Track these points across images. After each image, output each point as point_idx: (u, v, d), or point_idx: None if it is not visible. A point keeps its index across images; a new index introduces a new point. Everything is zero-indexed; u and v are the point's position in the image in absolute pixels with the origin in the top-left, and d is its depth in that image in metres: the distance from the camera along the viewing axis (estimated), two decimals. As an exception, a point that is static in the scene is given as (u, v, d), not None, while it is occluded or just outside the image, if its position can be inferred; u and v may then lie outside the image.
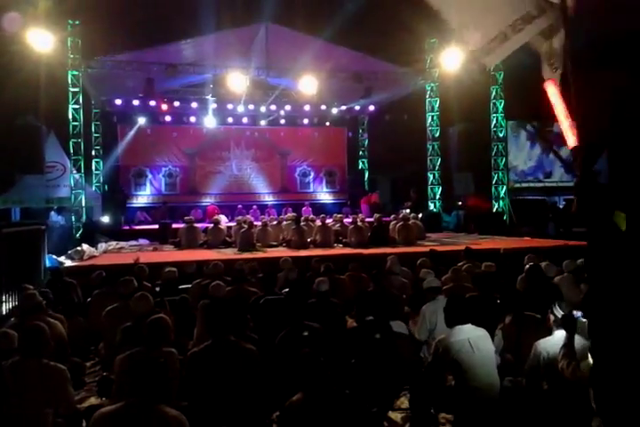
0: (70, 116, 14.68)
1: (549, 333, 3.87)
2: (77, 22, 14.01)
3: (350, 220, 12.48)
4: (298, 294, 5.22)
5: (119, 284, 5.52)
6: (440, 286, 5.57)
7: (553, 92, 3.40)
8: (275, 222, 12.81)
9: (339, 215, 13.62)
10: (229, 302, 4.53)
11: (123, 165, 19.73)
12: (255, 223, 12.19)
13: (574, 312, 3.71)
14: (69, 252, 9.93)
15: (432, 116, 17.63)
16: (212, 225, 12.27)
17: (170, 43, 14.87)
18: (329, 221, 12.52)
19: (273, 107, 19.69)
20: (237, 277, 6.17)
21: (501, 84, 16.91)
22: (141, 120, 19.41)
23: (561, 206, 19.12)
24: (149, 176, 20.16)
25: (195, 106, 19.03)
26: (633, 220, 2.23)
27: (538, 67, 3.65)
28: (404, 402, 4.51)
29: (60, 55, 13.87)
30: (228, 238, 11.97)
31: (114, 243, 12.49)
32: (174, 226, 13.88)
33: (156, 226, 14.43)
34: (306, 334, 4.32)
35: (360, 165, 22.93)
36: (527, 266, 6.53)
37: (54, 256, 9.41)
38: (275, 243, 11.65)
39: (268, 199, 21.21)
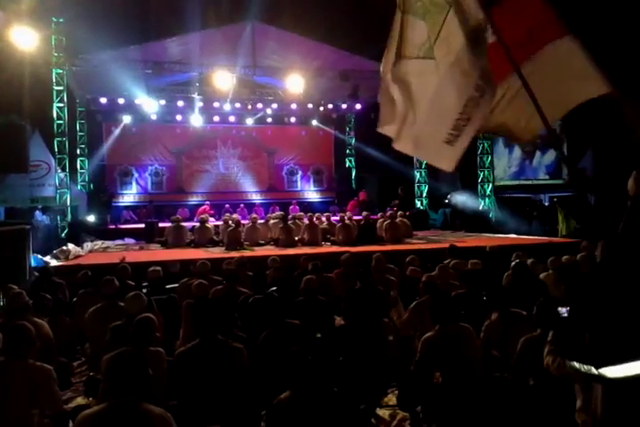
0: (55, 115, 14.57)
1: (535, 329, 3.91)
2: (62, 20, 13.89)
3: (338, 218, 12.49)
4: (285, 292, 5.22)
5: (101, 284, 5.50)
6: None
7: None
8: (262, 221, 12.79)
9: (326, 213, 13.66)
10: (217, 301, 4.53)
11: (108, 163, 19.63)
12: (242, 222, 12.17)
13: (559, 309, 3.74)
14: (55, 251, 9.86)
15: (418, 115, 17.66)
16: (198, 224, 12.23)
17: (155, 41, 14.79)
18: (315, 219, 12.52)
19: (259, 105, 19.65)
20: (229, 276, 6.15)
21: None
22: (127, 119, 19.30)
23: (546, 204, 19.27)
24: (135, 175, 20.06)
25: (181, 104, 18.94)
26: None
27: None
28: (391, 399, 4.53)
29: (45, 53, 13.74)
30: (215, 237, 11.94)
31: (99, 242, 12.42)
32: (161, 225, 13.83)
33: (143, 225, 14.36)
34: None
35: (347, 164, 22.95)
36: (513, 263, 6.58)
37: (39, 256, 9.34)
38: (262, 241, 11.64)
39: (256, 198, 21.19)
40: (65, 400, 4.47)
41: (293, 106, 19.95)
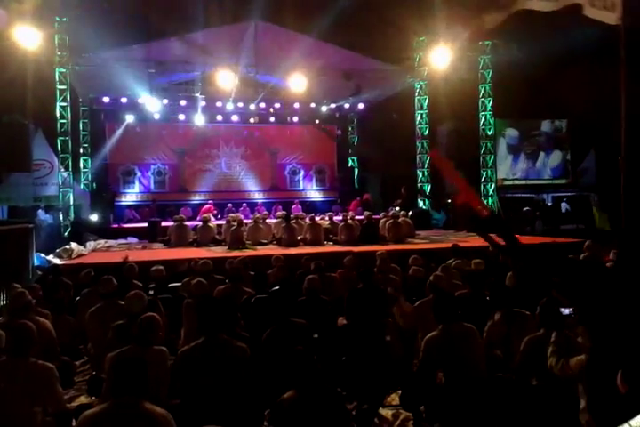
0: (58, 114, 14.57)
1: (538, 329, 3.90)
2: (65, 19, 13.89)
3: (340, 217, 12.49)
4: (287, 291, 5.23)
5: (99, 283, 5.50)
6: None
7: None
8: (265, 219, 12.79)
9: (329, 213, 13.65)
10: (220, 301, 4.53)
11: (111, 162, 19.62)
12: (245, 221, 12.17)
13: (562, 309, 3.74)
14: (58, 250, 9.87)
15: (421, 114, 17.66)
16: (201, 223, 12.24)
17: (158, 40, 14.79)
18: (318, 218, 12.52)
19: (262, 104, 19.64)
20: (233, 275, 6.15)
21: (490, 82, 16.97)
22: (130, 118, 19.30)
23: (549, 204, 19.27)
24: (138, 174, 20.06)
25: (183, 103, 18.94)
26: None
27: (526, 65, 3.65)
28: (394, 399, 4.52)
29: (48, 52, 13.75)
30: (217, 236, 11.95)
31: (102, 241, 12.43)
32: (163, 224, 13.83)
33: (145, 224, 14.37)
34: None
35: (350, 163, 22.94)
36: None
37: (42, 255, 9.36)
38: (265, 241, 11.64)
39: (258, 197, 21.17)
40: (68, 399, 4.48)
41: (296, 105, 19.94)
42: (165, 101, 18.62)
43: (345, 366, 4.30)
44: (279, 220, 12.37)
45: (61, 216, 14.52)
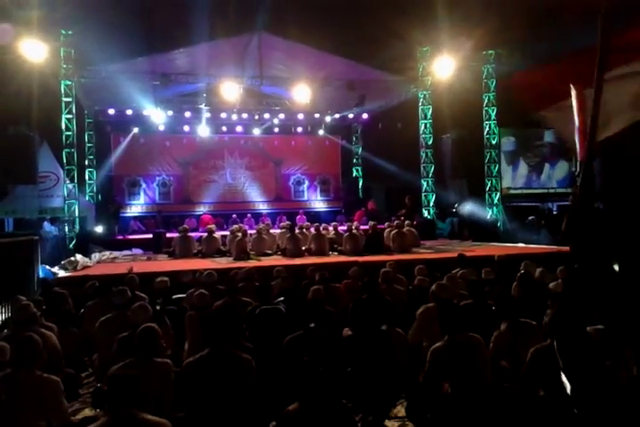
0: (63, 126, 14.65)
1: (545, 339, 3.87)
2: (70, 32, 14.00)
3: (345, 228, 12.47)
4: (292, 302, 5.22)
5: (113, 294, 5.48)
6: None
7: (574, 100, 3.27)
8: (269, 229, 12.79)
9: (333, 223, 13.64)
10: (225, 312, 4.51)
11: (116, 174, 19.71)
12: (249, 232, 12.17)
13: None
14: (63, 262, 9.88)
15: (425, 124, 17.68)
16: (205, 234, 12.24)
17: (163, 52, 14.89)
18: (322, 229, 12.49)
19: (266, 115, 19.73)
20: (230, 288, 6.11)
21: (494, 91, 16.99)
22: (135, 129, 19.41)
23: (555, 213, 19.18)
24: (143, 185, 20.14)
25: (188, 115, 19.04)
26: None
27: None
28: (400, 411, 4.49)
29: (53, 65, 13.86)
30: (222, 247, 11.95)
31: (107, 253, 12.45)
32: (168, 235, 13.85)
33: (150, 235, 14.39)
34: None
35: (354, 173, 22.97)
36: (519, 273, 6.55)
37: (47, 267, 9.37)
38: (269, 251, 11.63)
39: (263, 208, 21.20)
40: (72, 412, 4.46)
41: (300, 116, 20.01)
42: (170, 113, 18.73)
43: (350, 378, 4.27)
44: (284, 230, 12.36)
45: (67, 228, 14.55)
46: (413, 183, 18.15)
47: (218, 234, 12.57)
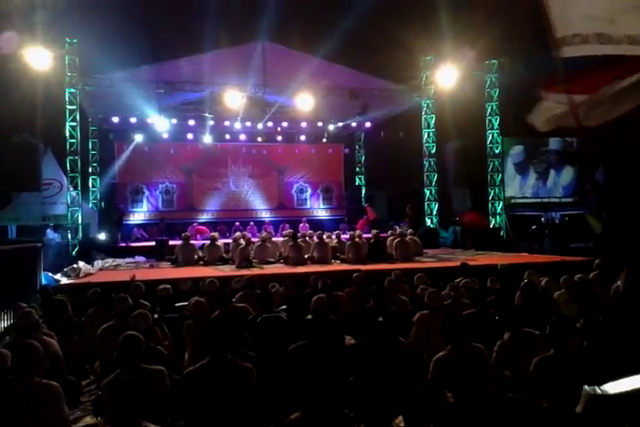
0: (67, 134, 14.70)
1: (548, 349, 3.85)
2: (75, 40, 14.10)
3: (348, 236, 12.46)
4: (294, 311, 5.20)
5: (114, 301, 5.47)
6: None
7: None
8: (271, 237, 12.78)
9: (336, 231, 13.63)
10: (225, 320, 4.50)
11: (120, 181, 19.74)
12: (252, 240, 12.17)
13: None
14: (65, 269, 9.88)
15: (428, 133, 17.71)
16: (208, 242, 12.24)
17: (167, 60, 14.98)
18: (325, 237, 12.48)
19: (270, 124, 19.78)
20: (224, 298, 6.07)
21: (497, 100, 17.02)
22: (138, 137, 19.47)
23: (558, 222, 19.15)
24: (146, 193, 20.17)
25: (192, 123, 19.11)
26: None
27: (532, 84, 3.76)
28: (402, 421, 4.45)
29: (58, 73, 13.93)
30: (224, 255, 11.94)
31: (110, 260, 12.45)
32: (171, 243, 13.85)
33: (153, 243, 14.39)
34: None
35: (357, 182, 22.99)
36: (523, 282, 6.53)
37: (50, 274, 9.37)
38: (272, 259, 11.61)
39: (265, 216, 21.21)
40: (74, 420, 4.44)
41: (303, 124, 20.06)
42: (174, 121, 18.79)
43: (353, 387, 4.25)
44: (286, 238, 12.35)
45: (70, 235, 14.57)
46: (416, 192, 18.16)
47: (220, 242, 12.56)
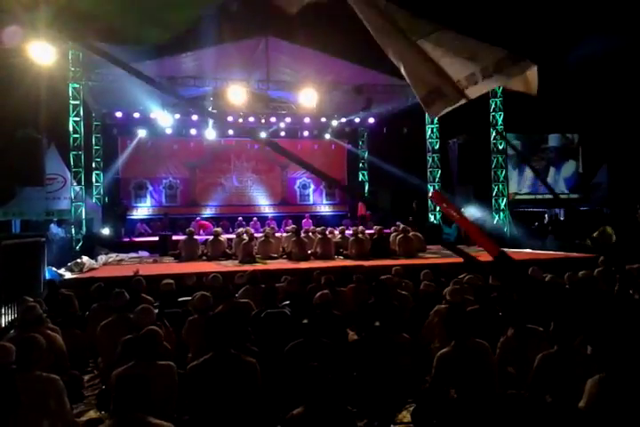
0: (71, 129, 14.69)
1: (552, 346, 3.85)
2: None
3: (351, 232, 12.46)
4: (298, 306, 5.20)
5: (111, 297, 5.48)
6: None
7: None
8: (275, 233, 12.79)
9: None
10: (228, 316, 4.51)
11: (123, 177, 19.78)
12: (255, 235, 12.18)
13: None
14: (69, 264, 9.90)
15: (432, 129, 17.66)
16: (211, 237, 12.26)
17: (170, 56, 14.93)
18: (328, 233, 12.47)
19: (273, 119, 19.74)
20: (226, 294, 6.08)
21: (501, 96, 16.95)
22: (142, 132, 19.47)
23: (562, 218, 19.13)
24: (150, 188, 20.19)
25: (195, 118, 19.09)
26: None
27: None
28: (406, 416, 4.46)
29: (61, 68, 13.90)
30: (228, 250, 11.95)
31: (114, 255, 12.47)
32: (174, 238, 13.87)
33: (157, 238, 14.41)
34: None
35: (360, 177, 22.95)
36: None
37: (54, 268, 9.39)
38: (275, 255, 11.63)
39: (269, 211, 21.23)
40: (77, 414, 4.46)
41: (306, 120, 20.02)
42: (177, 116, 18.76)
43: (356, 382, 4.25)
44: (289, 234, 12.35)
45: (73, 230, 14.58)
46: (420, 188, 18.12)
47: (224, 237, 12.58)
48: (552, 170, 19.00)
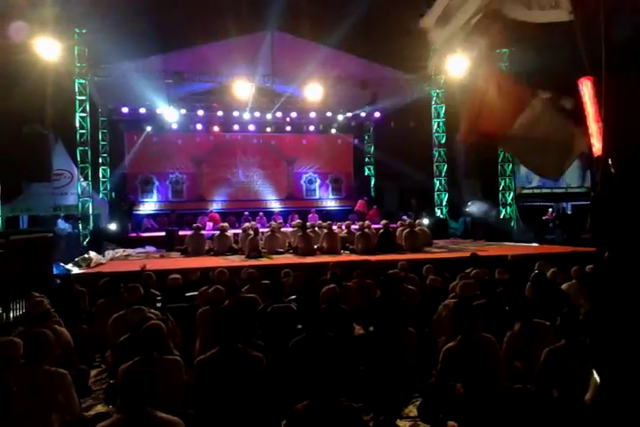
0: (77, 124, 14.74)
1: (559, 340, 3.84)
2: (84, 31, 14.08)
3: (357, 226, 12.45)
4: (304, 300, 5.20)
5: (125, 291, 5.50)
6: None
7: (587, 91, 3.27)
8: (281, 228, 12.80)
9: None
10: (235, 310, 4.51)
11: (130, 172, 19.82)
12: (261, 230, 12.18)
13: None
14: (76, 259, 9.94)
15: (438, 123, 17.62)
16: (218, 232, 12.27)
17: (176, 51, 14.94)
18: (335, 227, 12.47)
19: (279, 114, 19.73)
20: (232, 288, 6.08)
21: (507, 90, 16.85)
22: (148, 128, 19.50)
23: (569, 212, 19.04)
24: (156, 183, 20.24)
25: (201, 113, 19.10)
26: None
27: (542, 74, 3.68)
28: (412, 410, 4.47)
29: (67, 63, 13.94)
30: (234, 245, 11.97)
31: (121, 250, 12.51)
32: (181, 233, 13.90)
33: (163, 233, 14.45)
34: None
35: (366, 172, 22.92)
36: (533, 273, 6.50)
37: (62, 264, 9.43)
38: (281, 250, 11.64)
39: (275, 206, 21.24)
40: (85, 408, 4.48)
41: (312, 114, 19.99)
42: (183, 111, 18.78)
43: (362, 377, 4.26)
44: (296, 229, 12.36)
45: (80, 225, 14.65)
46: (426, 182, 18.09)
47: (230, 232, 12.60)
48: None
